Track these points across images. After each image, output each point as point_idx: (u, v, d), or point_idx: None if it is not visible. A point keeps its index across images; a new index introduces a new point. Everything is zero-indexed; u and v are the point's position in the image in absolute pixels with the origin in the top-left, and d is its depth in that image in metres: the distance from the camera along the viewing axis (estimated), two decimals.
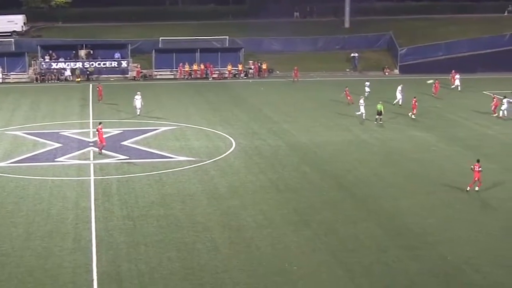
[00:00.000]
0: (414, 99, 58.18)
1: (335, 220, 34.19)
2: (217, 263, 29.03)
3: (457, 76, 72.22)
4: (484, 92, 69.48)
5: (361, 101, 56.58)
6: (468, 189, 38.28)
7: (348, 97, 63.14)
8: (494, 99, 59.80)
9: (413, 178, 41.44)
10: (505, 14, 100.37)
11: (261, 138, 51.00)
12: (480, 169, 38.06)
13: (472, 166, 38.46)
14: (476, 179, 38.18)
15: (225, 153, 46.92)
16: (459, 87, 71.09)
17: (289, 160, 45.45)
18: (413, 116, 57.06)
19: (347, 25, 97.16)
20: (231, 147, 48.47)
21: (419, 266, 28.80)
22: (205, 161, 44.81)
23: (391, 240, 31.74)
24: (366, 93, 64.25)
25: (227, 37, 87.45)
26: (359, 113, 56.13)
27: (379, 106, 55.27)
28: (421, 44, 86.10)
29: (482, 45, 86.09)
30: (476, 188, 38.31)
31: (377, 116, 55.32)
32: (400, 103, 61.85)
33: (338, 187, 39.82)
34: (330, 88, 70.62)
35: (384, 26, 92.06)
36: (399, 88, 62.37)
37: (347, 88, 63.63)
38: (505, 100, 58.27)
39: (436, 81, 68.30)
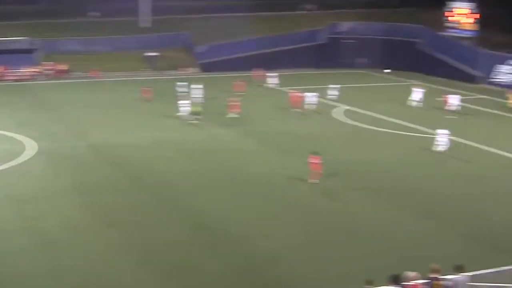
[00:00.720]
0: (236, 98, 58.77)
1: (140, 221, 33.92)
2: (22, 268, 28.12)
3: (275, 75, 73.87)
4: (280, 88, 71.71)
5: (181, 102, 56.47)
6: (315, 182, 39.42)
7: (145, 95, 63.76)
8: (293, 94, 61.72)
9: (218, 176, 41.85)
10: (301, 12, 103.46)
11: (62, 140, 49.76)
12: (317, 161, 39.37)
13: (309, 160, 39.64)
14: (315, 171, 39.40)
15: (23, 156, 45.27)
16: (270, 85, 72.69)
17: (91, 161, 44.61)
18: (233, 116, 57.41)
19: (146, 24, 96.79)
20: (31, 150, 46.84)
21: (220, 263, 29.08)
22: (1, 165, 43.12)
23: (195, 237, 31.96)
24: (181, 93, 64.46)
25: (26, 38, 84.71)
26: (181, 114, 55.94)
27: (197, 107, 55.46)
28: (219, 42, 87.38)
29: (278, 42, 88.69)
30: (314, 181, 39.53)
31: (194, 116, 55.32)
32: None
33: (142, 187, 39.48)
34: (130, 88, 70.42)
35: (182, 25, 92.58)
36: None
37: (146, 87, 63.73)
38: (308, 94, 60.89)
39: (240, 80, 69.50)
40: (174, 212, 35.28)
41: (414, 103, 64.87)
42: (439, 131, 47.83)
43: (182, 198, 37.35)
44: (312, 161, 39.50)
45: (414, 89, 66.42)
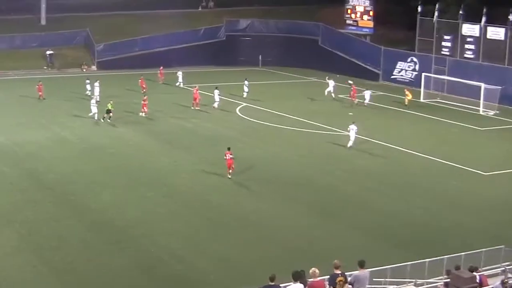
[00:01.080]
0: (145, 97, 58.00)
1: (38, 218, 33.30)
2: None
3: (180, 74, 73.22)
4: (178, 85, 71.52)
5: (92, 101, 55.13)
6: (229, 177, 40.05)
7: (39, 93, 62.80)
8: (197, 92, 61.41)
9: (114, 173, 41.49)
10: (199, 9, 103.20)
11: None
12: (231, 156, 39.97)
13: (225, 156, 40.13)
14: (230, 165, 40.08)
15: None
16: (181, 84, 72.02)
17: None
18: (143, 115, 56.72)
19: (44, 22, 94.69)
20: None
21: (123, 260, 28.89)
22: None
23: (95, 235, 31.56)
24: (87, 92, 63.51)
25: None
26: (92, 114, 54.70)
27: (109, 105, 54.44)
28: (118, 40, 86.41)
29: (177, 40, 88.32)
30: (229, 175, 40.15)
31: (105, 115, 54.25)
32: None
33: (40, 185, 38.83)
34: (28, 86, 68.71)
35: (81, 22, 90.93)
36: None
37: (40, 83, 62.88)
38: (215, 92, 60.83)
39: (141, 77, 68.67)
40: (74, 211, 34.75)
41: (328, 94, 66.93)
42: (350, 126, 48.60)
43: (81, 197, 36.82)
44: (227, 157, 40.14)
45: (329, 81, 68.05)
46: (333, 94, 67.44)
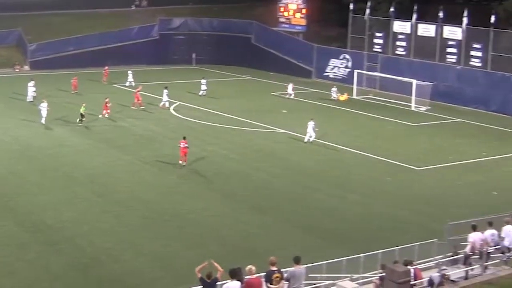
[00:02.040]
0: (107, 99, 57.00)
1: None
2: None
3: (130, 73, 72.65)
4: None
5: (42, 104, 53.68)
6: (183, 164, 42.08)
7: None
8: (137, 91, 61.18)
9: (49, 174, 41.12)
10: (133, 8, 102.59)
11: None
12: (186, 145, 41.91)
13: (179, 145, 42.17)
14: (183, 155, 41.94)
15: None
16: (132, 83, 71.31)
17: None
18: (106, 116, 55.96)
19: None
20: None
21: (60, 260, 28.70)
22: None
23: (31, 236, 31.27)
24: (29, 97, 61.93)
25: None
26: (43, 118, 53.16)
27: (82, 108, 53.49)
28: (52, 39, 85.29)
29: (111, 39, 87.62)
30: (183, 163, 42.01)
31: (80, 118, 53.30)
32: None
33: None
34: None
35: (13, 22, 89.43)
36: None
37: None
38: (165, 91, 60.94)
39: (75, 77, 67.83)
40: (9, 213, 34.33)
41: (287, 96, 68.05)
42: (309, 122, 49.47)
43: (17, 198, 36.44)
44: (181, 145, 42.10)
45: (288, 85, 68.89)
46: (292, 96, 68.03)
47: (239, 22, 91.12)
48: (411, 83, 65.78)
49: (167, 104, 60.68)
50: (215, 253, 28.95)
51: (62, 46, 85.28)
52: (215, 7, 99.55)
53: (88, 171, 41.55)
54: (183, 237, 31.67)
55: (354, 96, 69.56)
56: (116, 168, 42.52)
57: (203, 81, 68.36)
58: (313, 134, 49.43)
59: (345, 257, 25.08)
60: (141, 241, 31.06)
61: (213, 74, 78.96)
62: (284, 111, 60.87)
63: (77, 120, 53.39)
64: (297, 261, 21.13)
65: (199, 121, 56.01)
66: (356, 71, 72.92)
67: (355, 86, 71.03)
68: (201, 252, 29.20)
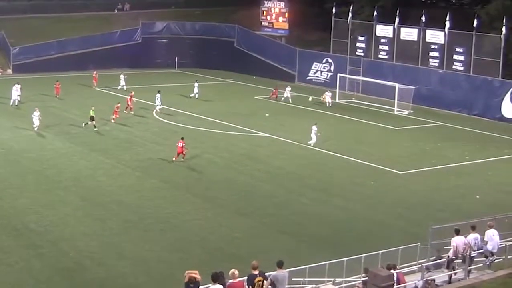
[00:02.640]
0: (118, 104, 56.76)
1: None
2: None
3: (122, 77, 72.30)
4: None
5: (35, 113, 52.86)
6: (173, 160, 43.78)
7: None
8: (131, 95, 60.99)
9: (31, 177, 40.94)
10: (115, 12, 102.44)
11: None
12: (183, 145, 43.50)
13: (178, 144, 43.73)
14: (180, 152, 43.65)
15: None
16: (124, 87, 70.98)
17: None
18: (112, 121, 55.75)
19: None
20: None
21: (43, 264, 28.56)
22: None
23: (13, 240, 31.09)
24: (13, 100, 61.60)
25: None
26: (35, 126, 52.48)
27: (92, 111, 53.28)
28: (34, 43, 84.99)
29: (94, 42, 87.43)
30: (178, 159, 43.80)
31: (89, 122, 53.02)
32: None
33: None
34: None
35: None
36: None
37: None
38: (157, 95, 60.85)
39: (57, 82, 67.36)
40: None
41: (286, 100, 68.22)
42: (312, 127, 49.80)
43: None
44: (179, 145, 43.67)
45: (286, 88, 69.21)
46: (290, 100, 68.09)
47: (222, 26, 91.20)
48: (393, 87, 65.99)
49: (158, 108, 60.54)
50: (198, 257, 28.98)
51: (44, 50, 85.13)
52: (197, 11, 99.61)
53: (70, 174, 41.42)
54: (166, 241, 31.56)
55: (337, 100, 69.64)
56: (98, 171, 42.36)
57: (196, 84, 68.78)
58: (314, 139, 49.54)
59: (328, 261, 25.08)
60: (124, 245, 30.97)
61: (195, 78, 78.70)
62: (267, 114, 60.87)
63: (83, 124, 53.31)
64: (280, 265, 21.09)
65: (181, 125, 55.88)
66: (338, 75, 73.08)
67: (337, 90, 71.13)
68: (184, 256, 29.22)
